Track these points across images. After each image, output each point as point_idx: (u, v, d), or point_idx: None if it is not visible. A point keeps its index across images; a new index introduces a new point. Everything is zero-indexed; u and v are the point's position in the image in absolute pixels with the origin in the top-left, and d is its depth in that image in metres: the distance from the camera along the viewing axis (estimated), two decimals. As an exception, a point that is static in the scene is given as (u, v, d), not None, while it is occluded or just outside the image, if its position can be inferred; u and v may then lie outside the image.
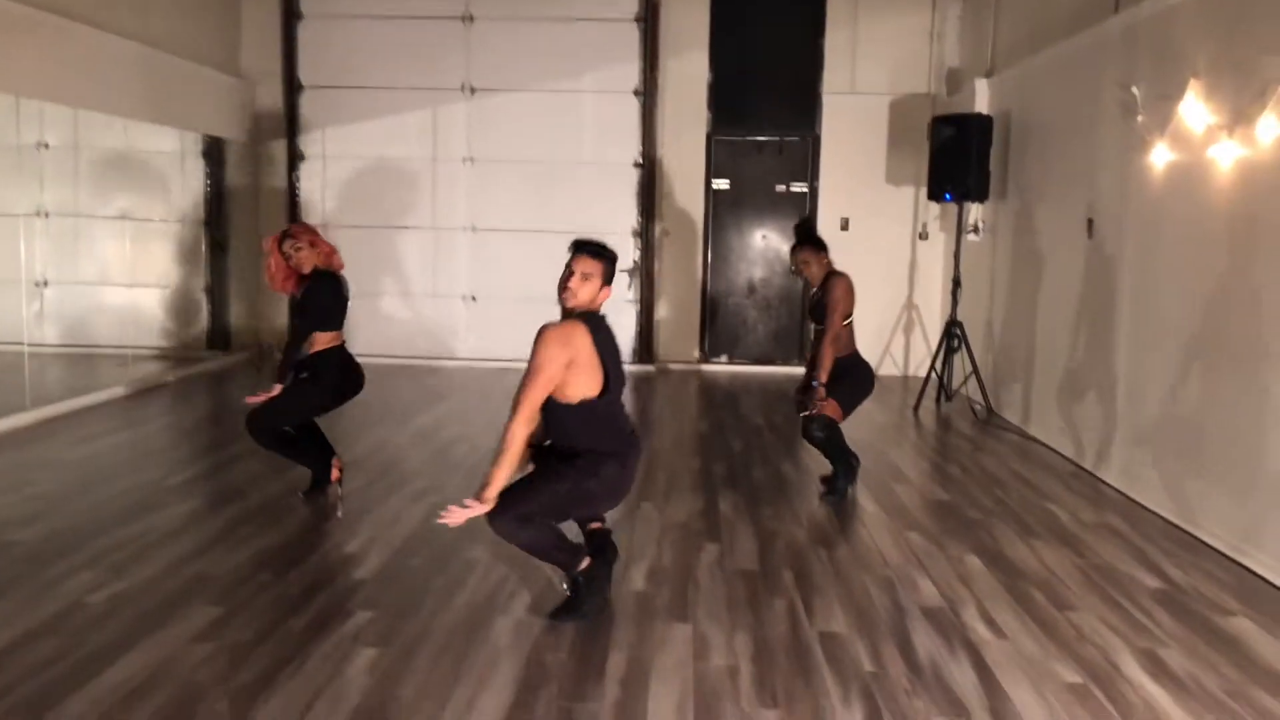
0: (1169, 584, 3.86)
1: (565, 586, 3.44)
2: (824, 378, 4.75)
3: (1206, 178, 4.46)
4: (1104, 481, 5.32)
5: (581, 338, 3.28)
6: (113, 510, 4.44)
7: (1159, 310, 4.88)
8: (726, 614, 3.46)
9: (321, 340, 4.57)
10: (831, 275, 4.97)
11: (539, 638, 3.22)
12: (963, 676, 3.02)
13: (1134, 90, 5.09)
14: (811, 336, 4.96)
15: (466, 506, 3.15)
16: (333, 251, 4.64)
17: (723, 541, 4.25)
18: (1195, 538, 4.38)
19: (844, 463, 4.93)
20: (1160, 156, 4.86)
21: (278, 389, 4.48)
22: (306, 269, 4.51)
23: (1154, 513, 4.75)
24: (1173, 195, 4.78)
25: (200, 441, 6.03)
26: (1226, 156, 4.30)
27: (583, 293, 3.35)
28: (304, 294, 4.55)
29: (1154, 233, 4.97)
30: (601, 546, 3.49)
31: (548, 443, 3.44)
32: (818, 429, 4.82)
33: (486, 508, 3.17)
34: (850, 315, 4.92)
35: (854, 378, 4.94)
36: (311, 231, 4.66)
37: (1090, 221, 5.70)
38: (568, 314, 3.38)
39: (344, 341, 4.70)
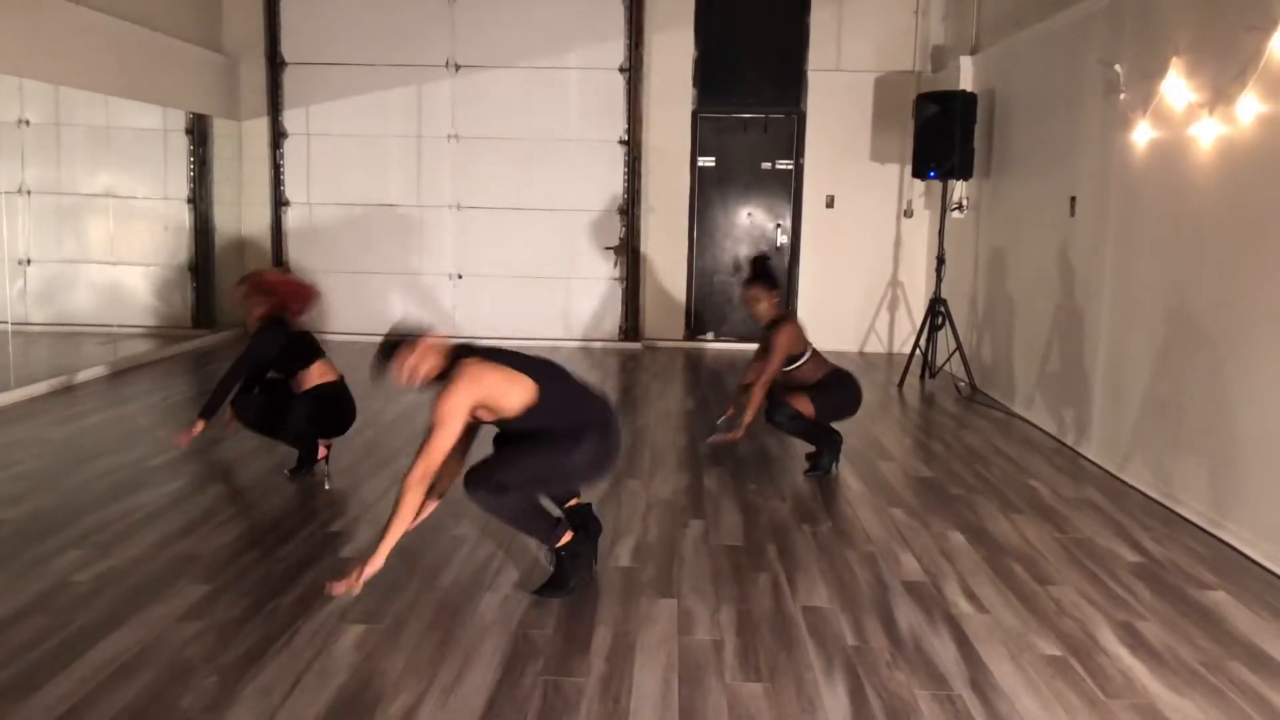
0: (1147, 558, 3.91)
1: (548, 562, 3.47)
2: (748, 419, 4.92)
3: (1187, 156, 4.49)
4: (1084, 457, 5.38)
5: (477, 368, 3.20)
6: (99, 489, 4.44)
7: (1140, 287, 4.92)
8: (711, 589, 3.50)
9: (313, 376, 4.61)
10: (779, 320, 4.92)
11: (525, 614, 3.25)
12: (944, 649, 3.06)
13: (1116, 68, 5.11)
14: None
15: (350, 575, 3.14)
16: (290, 297, 4.61)
17: (707, 517, 4.28)
18: (1173, 512, 4.44)
19: (826, 440, 4.96)
20: (1142, 135, 4.88)
21: (199, 426, 4.48)
22: (252, 317, 4.58)
23: (1133, 487, 4.81)
24: (1154, 173, 4.81)
25: (185, 420, 6.00)
26: (1207, 135, 4.32)
27: (421, 373, 3.26)
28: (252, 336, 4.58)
29: (1135, 210, 5.00)
30: (584, 521, 3.51)
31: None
32: (783, 417, 4.85)
33: (373, 570, 3.14)
34: (800, 355, 4.89)
35: (838, 393, 4.97)
36: (256, 279, 4.64)
37: (1073, 200, 5.73)
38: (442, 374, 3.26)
39: (338, 377, 4.71)
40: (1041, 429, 6.02)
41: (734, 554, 3.85)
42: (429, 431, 3.11)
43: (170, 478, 4.65)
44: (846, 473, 5.04)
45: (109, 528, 3.94)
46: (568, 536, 3.39)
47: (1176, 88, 4.56)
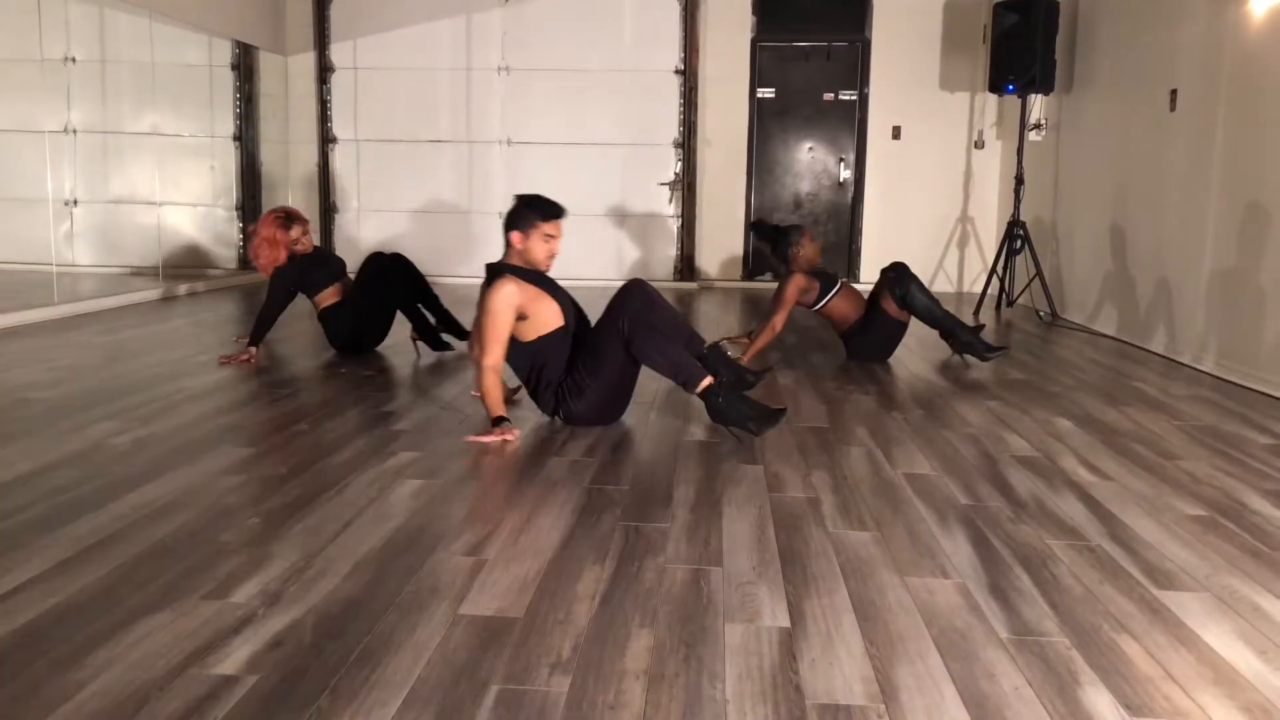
0: (1282, 441, 3.52)
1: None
2: (745, 359, 4.55)
3: (1319, 12, 4.06)
4: (1192, 366, 4.96)
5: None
6: (141, 378, 4.21)
7: (1258, 180, 4.49)
8: (799, 458, 3.16)
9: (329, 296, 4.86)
10: (788, 275, 4.86)
11: (596, 474, 2.94)
12: (1071, 509, 2.70)
13: (1230, -65, 4.67)
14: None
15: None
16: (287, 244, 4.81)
17: (787, 406, 3.94)
18: (1302, 406, 4.03)
19: (967, 329, 4.82)
20: (1260, 3, 4.45)
21: (252, 352, 4.63)
22: (307, 249, 4.84)
23: (1254, 390, 4.39)
24: (1276, 43, 4.38)
25: (232, 332, 5.79)
26: (1345, -17, 3.89)
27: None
28: (307, 270, 4.82)
29: (1252, 88, 4.57)
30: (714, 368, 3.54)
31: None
32: (917, 293, 4.75)
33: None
34: (825, 293, 4.87)
35: (875, 335, 4.92)
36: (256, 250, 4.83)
37: (1173, 93, 5.29)
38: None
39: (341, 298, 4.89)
40: (1138, 345, 5.60)
41: (820, 434, 3.51)
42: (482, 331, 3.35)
43: (215, 371, 4.41)
44: (932, 373, 4.68)
45: (150, 405, 3.70)
46: (706, 380, 3.27)
47: (1305, -61, 4.13)
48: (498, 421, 3.27)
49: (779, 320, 4.75)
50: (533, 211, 3.39)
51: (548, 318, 3.39)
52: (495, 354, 3.28)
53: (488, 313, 3.28)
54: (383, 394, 4.01)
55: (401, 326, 4.99)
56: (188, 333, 5.58)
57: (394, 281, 4.86)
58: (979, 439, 3.47)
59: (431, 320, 4.92)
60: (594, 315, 3.58)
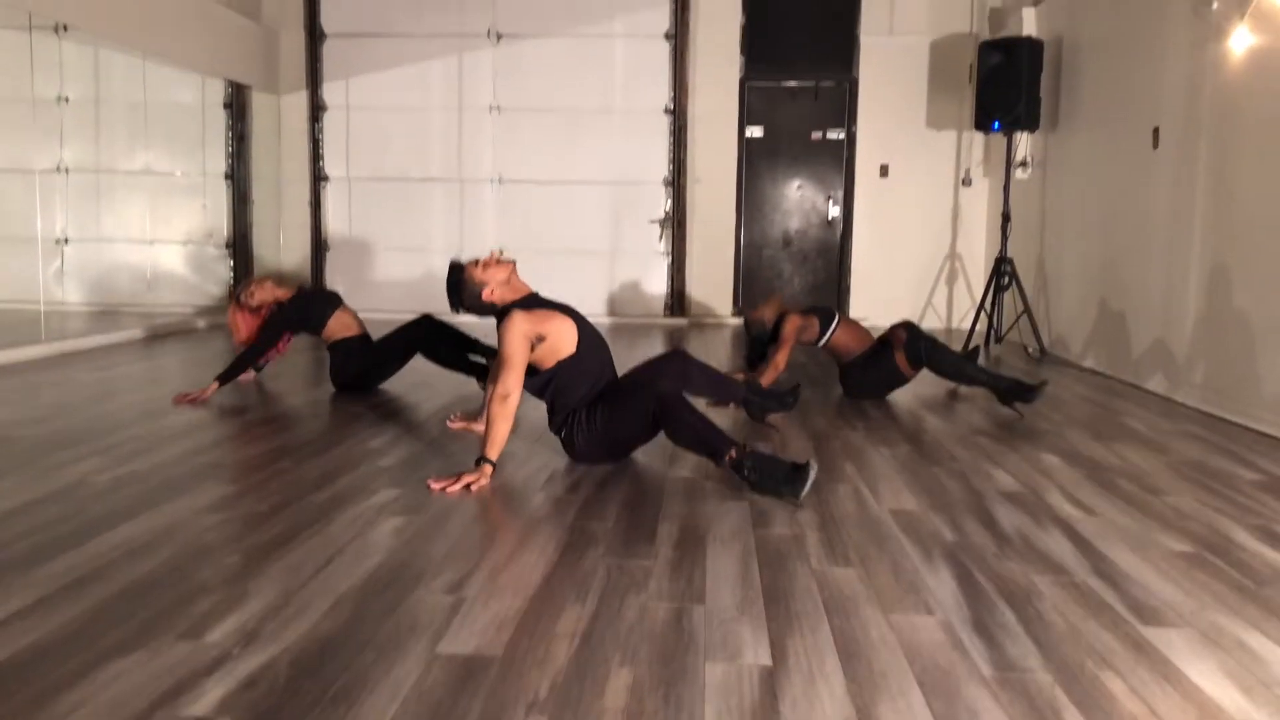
0: (1268, 476, 3.51)
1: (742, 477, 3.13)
2: (766, 381, 4.60)
3: (1296, 51, 4.12)
4: (1179, 402, 4.96)
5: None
6: (124, 416, 4.19)
7: (1242, 210, 4.54)
8: (786, 494, 3.15)
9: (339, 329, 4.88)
10: (783, 316, 4.88)
11: (581, 510, 2.93)
12: (1057, 545, 2.69)
13: (1208, -23, 4.75)
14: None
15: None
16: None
17: (773, 441, 3.94)
18: (1289, 441, 4.04)
19: (1003, 379, 4.64)
20: (1239, 41, 4.52)
21: (213, 388, 4.53)
22: (263, 304, 4.90)
23: (1240, 425, 4.40)
24: (1256, 78, 4.44)
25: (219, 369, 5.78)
26: (1320, 23, 3.96)
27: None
28: (301, 309, 4.89)
29: (1232, 125, 4.62)
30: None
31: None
32: (925, 353, 4.67)
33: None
34: (818, 336, 4.88)
35: (877, 376, 4.88)
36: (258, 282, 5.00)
37: (1155, 130, 5.35)
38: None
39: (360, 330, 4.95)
40: (1124, 381, 5.61)
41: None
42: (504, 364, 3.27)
43: (200, 408, 4.39)
44: (921, 409, 4.68)
45: (133, 443, 3.68)
46: (732, 453, 3.11)
47: (1281, -19, 4.20)
48: (479, 462, 3.18)
49: (781, 358, 4.74)
50: (458, 268, 3.42)
51: (563, 339, 3.35)
52: (507, 381, 3.19)
53: (503, 345, 3.23)
54: (369, 431, 3.99)
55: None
56: (175, 370, 5.57)
57: (422, 341, 4.84)
58: (966, 475, 3.46)
59: (485, 362, 4.84)
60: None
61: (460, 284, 3.40)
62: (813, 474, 2.99)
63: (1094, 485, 3.34)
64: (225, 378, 4.59)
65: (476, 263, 3.42)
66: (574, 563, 2.47)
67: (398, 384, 5.00)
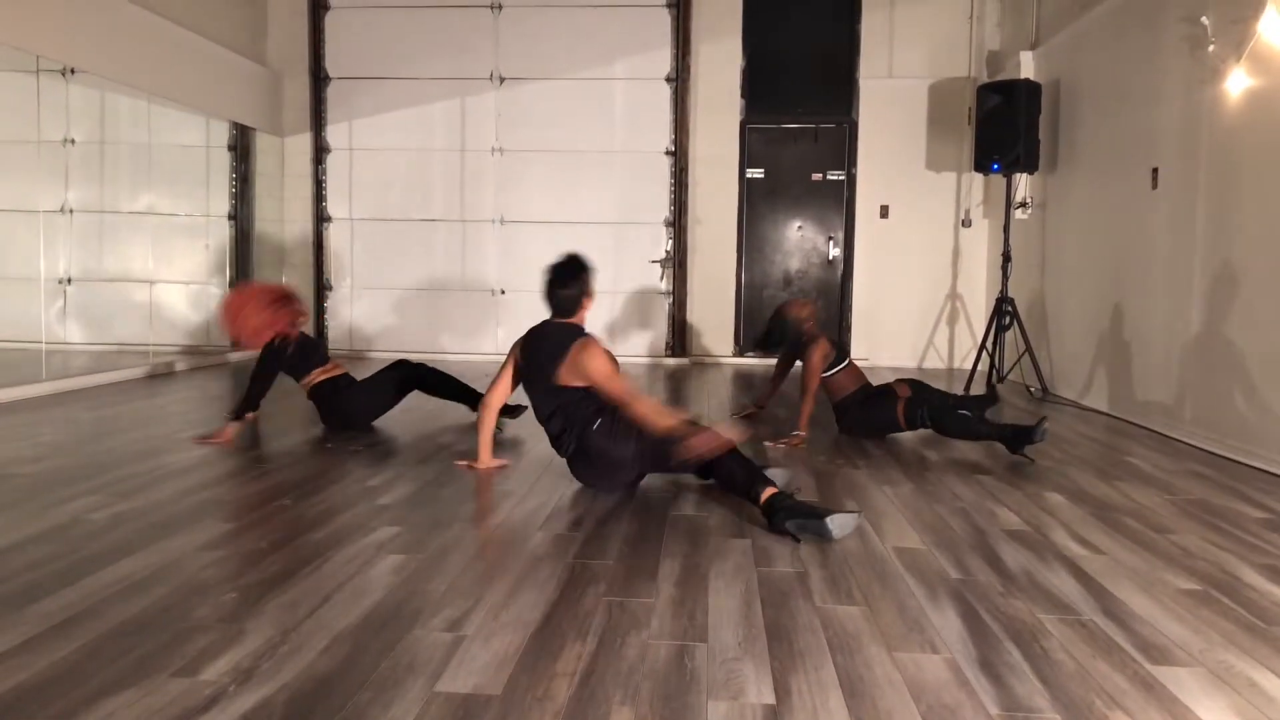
0: (1276, 515, 3.48)
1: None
2: (802, 427, 4.74)
3: (1292, 92, 4.15)
4: (1182, 441, 4.94)
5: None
6: (124, 454, 4.17)
7: (1242, 251, 4.55)
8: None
9: (316, 376, 4.86)
10: (813, 338, 4.98)
11: (581, 548, 2.90)
12: (1062, 584, 2.66)
13: (1203, 20, 4.80)
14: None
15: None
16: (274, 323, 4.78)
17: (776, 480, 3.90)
18: (1294, 479, 4.01)
19: (1006, 426, 4.58)
20: (1236, 83, 4.56)
21: (231, 429, 4.52)
22: (289, 326, 4.78)
23: (1243, 463, 4.37)
24: (1253, 120, 4.47)
25: (221, 408, 5.76)
26: (1315, 64, 3.99)
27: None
28: (303, 355, 4.85)
29: (1231, 166, 4.65)
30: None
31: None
32: (927, 417, 4.65)
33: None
34: (835, 365, 4.94)
35: (874, 418, 4.89)
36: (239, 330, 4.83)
37: (1154, 171, 5.38)
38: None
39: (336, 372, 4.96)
40: (1127, 420, 5.59)
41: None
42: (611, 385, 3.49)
43: (199, 446, 4.37)
44: (923, 448, 4.65)
45: (132, 479, 3.66)
46: (768, 491, 3.16)
47: (1277, 24, 4.24)
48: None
49: (814, 384, 4.83)
50: (589, 274, 3.76)
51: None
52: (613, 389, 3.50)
53: (604, 369, 3.50)
54: (367, 469, 3.97)
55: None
56: (175, 409, 5.55)
57: (414, 378, 4.99)
58: (969, 513, 3.44)
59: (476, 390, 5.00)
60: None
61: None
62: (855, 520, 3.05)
63: (1099, 523, 3.31)
64: (239, 414, 4.58)
65: None
66: (574, 600, 2.44)
67: (393, 423, 4.99)
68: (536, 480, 3.78)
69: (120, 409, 5.49)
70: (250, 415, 4.60)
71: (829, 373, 4.92)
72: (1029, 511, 3.47)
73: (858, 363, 5.40)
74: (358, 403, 4.89)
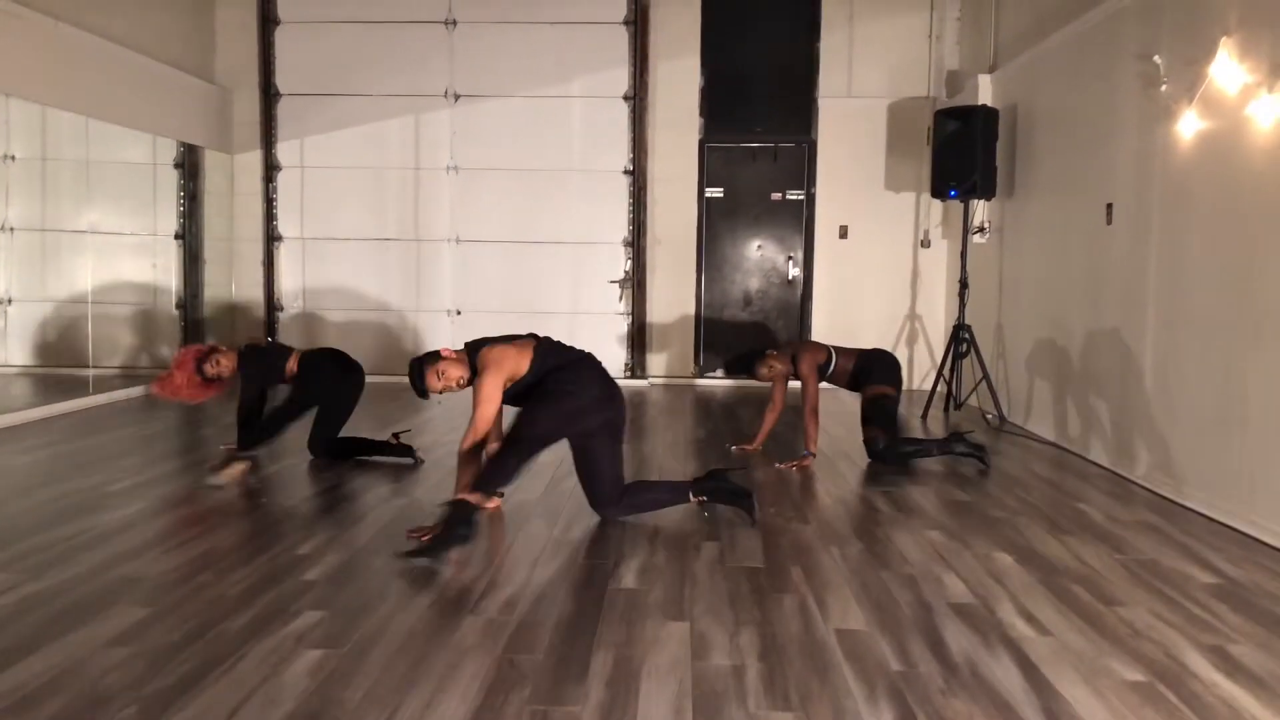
0: (1225, 579, 3.43)
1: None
2: (813, 447, 5.11)
3: (1243, 139, 4.10)
4: (1134, 481, 4.91)
5: (496, 350, 3.82)
6: (46, 514, 4.00)
7: (1191, 291, 4.51)
8: (729, 611, 3.03)
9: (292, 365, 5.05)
10: (797, 354, 5.27)
11: (512, 638, 2.79)
12: (1005, 675, 2.58)
13: (1156, 59, 4.75)
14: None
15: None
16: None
17: (722, 540, 3.82)
18: (1244, 534, 3.97)
19: (951, 445, 5.09)
20: (1188, 125, 4.51)
21: (243, 467, 4.76)
22: (221, 374, 5.00)
23: (1193, 510, 4.34)
24: (1204, 163, 4.43)
25: (158, 450, 5.59)
26: (1266, 114, 3.94)
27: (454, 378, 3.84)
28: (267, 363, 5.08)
29: (1183, 208, 4.61)
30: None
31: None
32: (881, 446, 5.04)
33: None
34: (827, 363, 5.25)
35: (879, 373, 5.32)
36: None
37: (1109, 206, 5.34)
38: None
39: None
40: (1082, 456, 5.55)
41: (753, 576, 3.38)
42: (476, 409, 3.69)
43: (129, 502, 4.21)
44: (874, 496, 4.58)
45: (48, 550, 3.50)
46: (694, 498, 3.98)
47: (1227, 69, 4.20)
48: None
49: (815, 397, 5.14)
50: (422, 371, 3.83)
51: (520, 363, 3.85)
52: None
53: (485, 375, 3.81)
54: (300, 532, 3.82)
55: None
56: (114, 449, 5.37)
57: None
58: (917, 581, 3.36)
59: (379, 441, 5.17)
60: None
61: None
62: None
63: (1047, 593, 3.24)
64: (245, 447, 4.95)
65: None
66: (496, 710, 2.32)
67: (337, 476, 4.84)
68: (479, 541, 3.65)
69: (56, 450, 5.31)
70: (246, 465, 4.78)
71: (829, 372, 5.21)
72: (977, 578, 3.39)
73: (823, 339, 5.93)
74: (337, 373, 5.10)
